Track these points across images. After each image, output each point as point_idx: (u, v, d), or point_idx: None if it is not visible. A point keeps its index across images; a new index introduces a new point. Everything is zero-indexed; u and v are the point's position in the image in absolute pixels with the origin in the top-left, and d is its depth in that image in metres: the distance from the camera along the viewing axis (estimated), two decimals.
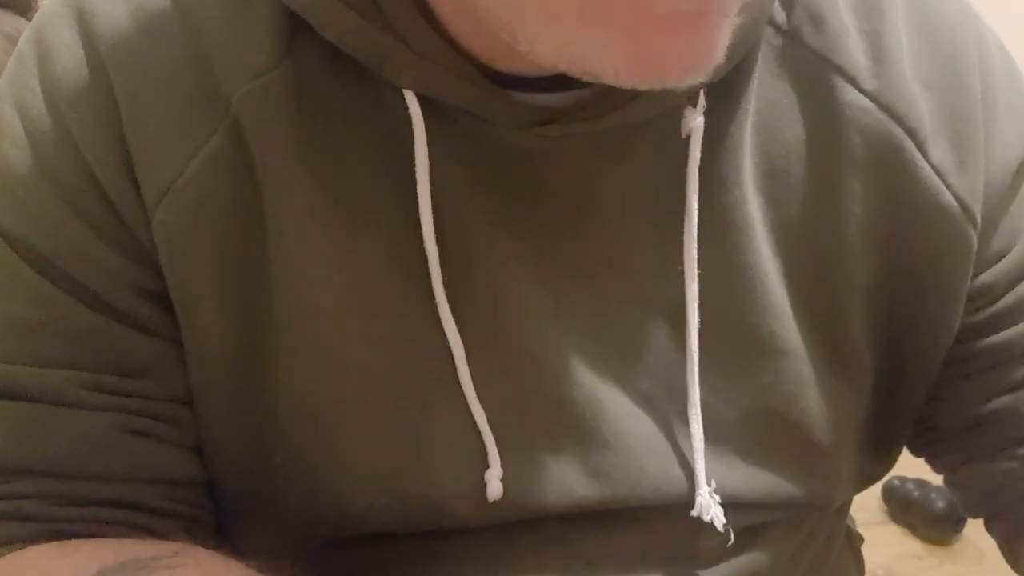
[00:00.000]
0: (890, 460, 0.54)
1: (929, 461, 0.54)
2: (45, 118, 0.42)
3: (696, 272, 0.44)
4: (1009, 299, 0.47)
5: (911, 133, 0.44)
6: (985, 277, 0.47)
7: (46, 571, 0.39)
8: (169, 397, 0.44)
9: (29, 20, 1.57)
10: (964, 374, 0.48)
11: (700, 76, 0.34)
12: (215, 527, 0.47)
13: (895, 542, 1.57)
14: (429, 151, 0.41)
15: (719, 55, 0.34)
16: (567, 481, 0.44)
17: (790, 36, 0.45)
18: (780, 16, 0.45)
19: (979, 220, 0.46)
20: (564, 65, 0.34)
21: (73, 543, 0.41)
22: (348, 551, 0.47)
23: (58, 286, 0.42)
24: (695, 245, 0.43)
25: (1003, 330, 0.47)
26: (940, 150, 0.45)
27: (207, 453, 0.45)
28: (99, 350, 0.42)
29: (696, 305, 0.44)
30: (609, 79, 0.34)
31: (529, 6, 0.33)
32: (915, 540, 1.57)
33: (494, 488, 0.44)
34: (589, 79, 0.34)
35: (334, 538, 0.47)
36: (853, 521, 0.65)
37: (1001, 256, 0.47)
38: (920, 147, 0.45)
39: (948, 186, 0.45)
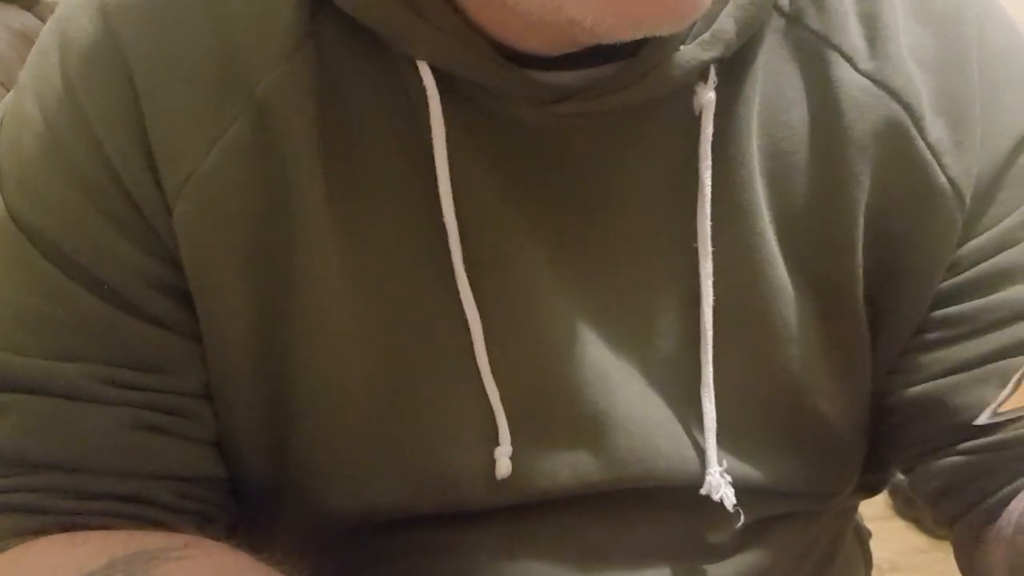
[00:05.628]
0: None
1: (893, 458, 0.52)
2: (65, 110, 0.42)
3: (710, 250, 0.44)
4: (971, 274, 0.46)
5: (908, 109, 0.44)
6: (958, 252, 0.46)
7: (56, 561, 0.39)
8: (185, 392, 0.44)
9: (35, 15, 1.57)
10: (920, 346, 0.47)
11: (677, 25, 0.35)
12: (229, 524, 0.47)
13: (900, 537, 1.57)
14: (446, 129, 0.41)
15: (699, 4, 0.34)
16: (578, 461, 0.45)
17: (793, 18, 0.45)
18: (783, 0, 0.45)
19: (968, 203, 0.45)
20: (548, 15, 0.35)
21: (83, 534, 0.41)
22: (361, 544, 0.47)
23: (74, 279, 0.41)
24: (708, 222, 0.43)
25: (961, 303, 0.46)
26: (937, 129, 0.45)
27: (228, 444, 0.45)
28: (114, 344, 0.42)
29: (710, 283, 0.44)
30: (587, 26, 0.35)
31: None
32: (920, 535, 1.57)
33: (503, 466, 0.44)
34: (574, 29, 0.35)
35: (348, 530, 0.47)
36: (860, 516, 0.65)
37: (979, 235, 0.46)
38: (917, 124, 0.44)
39: (942, 167, 0.44)
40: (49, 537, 0.41)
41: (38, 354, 0.42)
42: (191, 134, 0.41)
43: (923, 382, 0.47)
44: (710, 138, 0.43)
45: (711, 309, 0.44)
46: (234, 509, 0.47)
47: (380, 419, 0.44)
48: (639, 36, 0.36)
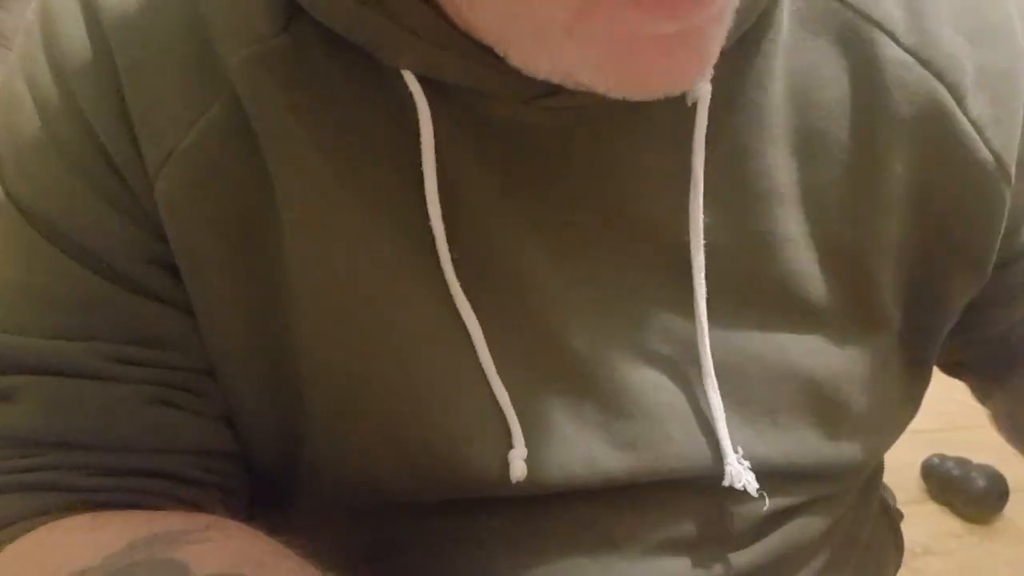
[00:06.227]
0: (915, 408, 0.54)
1: (966, 383, 0.54)
2: (52, 89, 0.42)
3: (702, 242, 0.43)
4: None
5: (952, 89, 0.43)
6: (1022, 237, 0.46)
7: (77, 543, 0.39)
8: (191, 368, 0.44)
9: None
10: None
11: (686, 87, 0.35)
12: (249, 499, 0.47)
13: (934, 520, 1.55)
14: (434, 130, 0.41)
15: (711, 59, 0.34)
16: (593, 452, 0.44)
17: None
18: None
19: (1013, 175, 0.45)
20: (557, 78, 0.35)
21: (105, 515, 0.41)
22: (374, 530, 0.47)
23: (74, 259, 0.42)
24: (700, 216, 0.43)
25: None
26: (979, 104, 0.44)
27: (239, 425, 0.45)
28: (117, 321, 0.42)
29: (703, 276, 0.43)
30: (599, 91, 0.35)
31: (521, 27, 0.34)
32: (955, 518, 1.56)
33: (517, 468, 0.43)
34: (583, 90, 0.35)
35: (361, 516, 0.47)
36: (894, 498, 0.64)
37: None
38: (960, 103, 0.44)
39: (985, 141, 0.44)
40: (72, 518, 0.41)
41: (44, 334, 0.42)
42: (171, 113, 0.41)
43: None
44: (704, 130, 0.42)
45: (704, 302, 0.44)
46: (250, 484, 0.47)
47: (388, 418, 0.44)
48: (652, 99, 0.36)
